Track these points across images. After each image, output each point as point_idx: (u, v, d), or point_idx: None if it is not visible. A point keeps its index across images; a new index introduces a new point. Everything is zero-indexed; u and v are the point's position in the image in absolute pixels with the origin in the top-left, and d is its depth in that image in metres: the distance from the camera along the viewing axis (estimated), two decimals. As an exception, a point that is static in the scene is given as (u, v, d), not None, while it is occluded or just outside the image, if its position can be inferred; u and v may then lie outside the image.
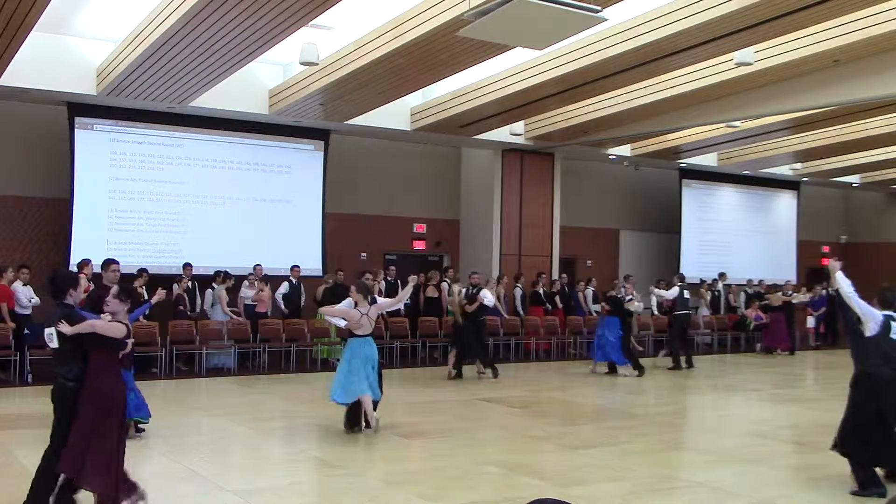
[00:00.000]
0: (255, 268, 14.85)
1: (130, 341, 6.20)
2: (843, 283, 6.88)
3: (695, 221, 21.30)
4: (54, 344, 5.56)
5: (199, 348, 13.76)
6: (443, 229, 18.68)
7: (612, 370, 14.22)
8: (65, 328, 5.46)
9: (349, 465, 7.46)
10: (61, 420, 5.58)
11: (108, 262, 8.64)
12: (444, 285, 16.11)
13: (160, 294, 8.51)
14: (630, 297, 14.51)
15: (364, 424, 8.71)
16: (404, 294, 10.12)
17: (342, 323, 8.89)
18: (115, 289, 6.00)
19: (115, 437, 5.59)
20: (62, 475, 5.55)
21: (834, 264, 7.18)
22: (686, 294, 15.59)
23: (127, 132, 14.69)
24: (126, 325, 5.77)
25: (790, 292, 18.93)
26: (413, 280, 9.77)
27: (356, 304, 8.81)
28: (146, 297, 11.33)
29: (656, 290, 15.93)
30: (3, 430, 8.66)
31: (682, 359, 15.37)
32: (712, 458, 8.12)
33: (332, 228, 16.55)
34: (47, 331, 5.59)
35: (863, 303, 6.78)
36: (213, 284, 14.37)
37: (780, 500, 6.59)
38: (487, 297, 13.21)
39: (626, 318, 14.53)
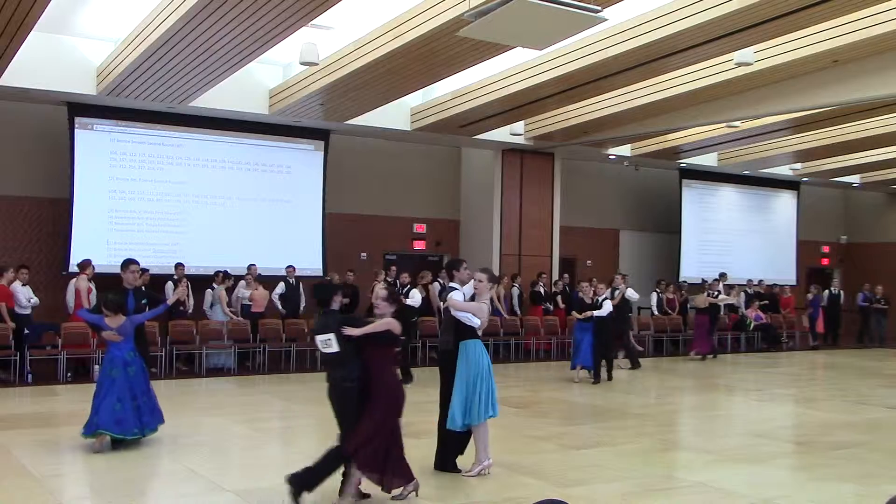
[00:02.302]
0: (249, 268, 14.82)
1: (403, 338, 6.48)
2: None
3: (695, 221, 21.29)
4: (333, 349, 5.88)
5: (199, 348, 13.76)
6: (443, 229, 18.68)
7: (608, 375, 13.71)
8: (353, 331, 5.83)
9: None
10: (347, 420, 5.89)
11: (127, 263, 8.39)
12: (436, 285, 16.06)
13: (180, 291, 8.86)
14: (603, 296, 13.60)
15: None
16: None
17: (476, 322, 7.04)
18: (383, 292, 6.19)
19: (399, 428, 5.99)
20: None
21: None
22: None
23: (127, 132, 14.69)
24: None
25: (716, 293, 17.62)
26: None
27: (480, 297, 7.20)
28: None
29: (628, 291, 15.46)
30: (3, 430, 8.65)
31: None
32: (712, 458, 8.11)
33: (332, 228, 16.55)
34: (323, 337, 5.90)
35: None
36: (213, 284, 14.36)
37: (780, 500, 6.58)
38: (415, 297, 12.47)
39: (600, 319, 13.40)
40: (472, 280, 7.22)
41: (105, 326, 7.73)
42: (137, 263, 8.47)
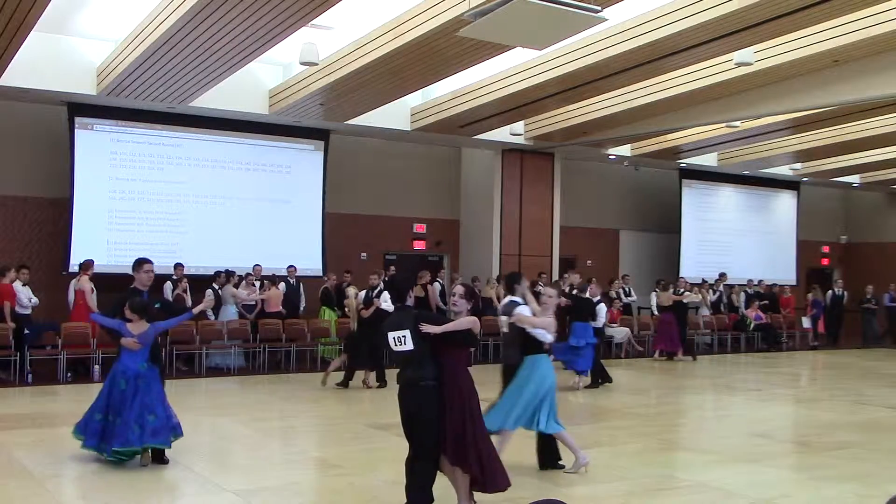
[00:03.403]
0: (254, 268, 14.85)
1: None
2: None
3: (695, 221, 21.29)
4: (407, 346, 5.53)
5: (200, 348, 13.76)
6: (443, 229, 18.68)
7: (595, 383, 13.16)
8: (433, 328, 5.51)
9: (349, 465, 7.46)
10: (425, 423, 5.52)
11: (140, 262, 7.70)
12: (437, 285, 16.03)
13: (207, 302, 8.14)
14: (597, 299, 13.30)
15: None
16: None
17: (549, 338, 7.07)
18: (460, 289, 5.99)
19: (484, 428, 5.79)
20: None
21: None
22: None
23: (127, 132, 14.69)
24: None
25: (682, 291, 17.08)
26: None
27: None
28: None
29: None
30: (3, 431, 8.65)
31: None
32: (712, 458, 8.11)
33: (332, 228, 16.55)
34: (397, 334, 5.56)
35: None
36: (213, 284, 14.34)
37: (780, 500, 6.59)
38: (386, 301, 11.62)
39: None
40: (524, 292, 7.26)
41: (126, 333, 7.12)
42: (151, 263, 7.75)
